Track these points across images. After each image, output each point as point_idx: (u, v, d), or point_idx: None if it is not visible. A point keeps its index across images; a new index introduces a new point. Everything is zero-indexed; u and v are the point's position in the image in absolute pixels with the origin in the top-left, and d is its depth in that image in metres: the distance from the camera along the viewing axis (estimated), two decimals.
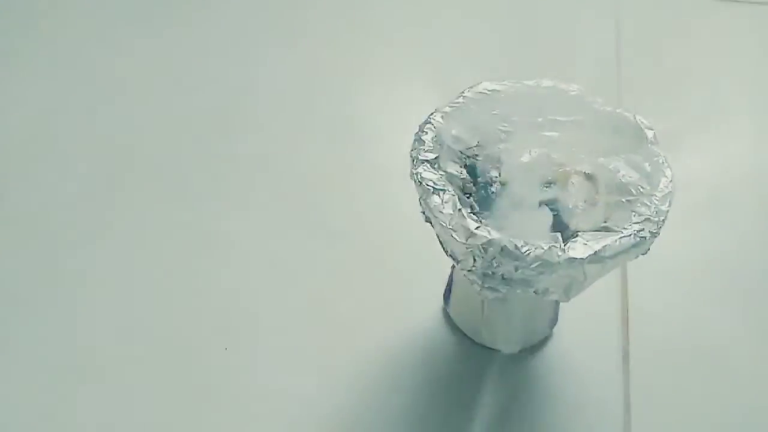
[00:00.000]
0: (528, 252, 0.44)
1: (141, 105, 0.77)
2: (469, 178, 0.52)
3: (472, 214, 0.48)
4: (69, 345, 0.60)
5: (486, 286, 0.47)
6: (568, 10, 0.87)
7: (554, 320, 0.58)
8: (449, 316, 0.61)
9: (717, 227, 0.68)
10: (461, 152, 0.52)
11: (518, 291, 0.46)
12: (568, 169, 0.51)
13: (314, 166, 0.72)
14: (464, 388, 0.58)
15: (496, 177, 0.53)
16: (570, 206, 0.50)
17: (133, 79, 0.79)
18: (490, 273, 0.46)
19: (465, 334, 0.59)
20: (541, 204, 0.50)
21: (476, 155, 0.53)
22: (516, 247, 0.44)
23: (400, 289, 0.63)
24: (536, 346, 0.59)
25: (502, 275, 0.46)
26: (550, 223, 0.49)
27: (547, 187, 0.51)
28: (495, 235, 0.45)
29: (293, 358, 0.59)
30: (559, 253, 0.44)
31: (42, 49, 0.82)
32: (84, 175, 0.71)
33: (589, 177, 0.52)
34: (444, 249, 0.49)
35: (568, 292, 0.47)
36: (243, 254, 0.66)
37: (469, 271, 0.47)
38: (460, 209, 0.47)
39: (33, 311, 0.61)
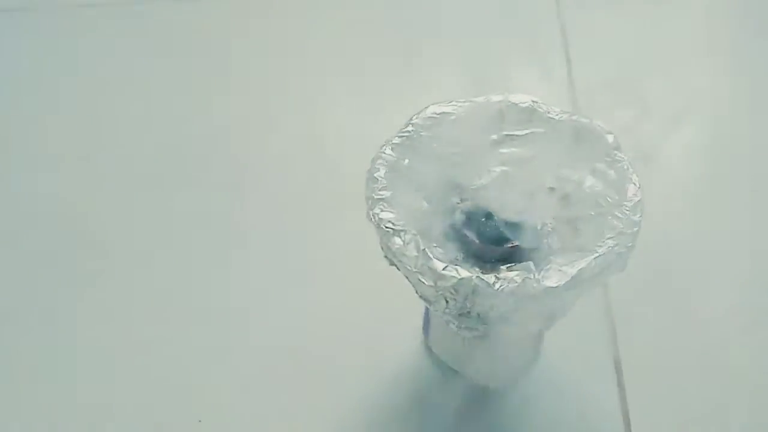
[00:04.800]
0: (502, 287, 0.42)
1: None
2: (430, 208, 0.49)
3: (438, 250, 0.46)
4: None
5: (463, 326, 0.44)
6: (508, 17, 0.85)
7: (540, 341, 0.56)
8: (431, 349, 0.58)
9: (691, 215, 0.67)
10: (420, 182, 0.50)
11: (496, 328, 0.44)
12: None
13: (278, 203, 0.69)
14: (453, 422, 0.55)
15: (458, 203, 0.50)
16: (539, 226, 0.48)
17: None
18: (465, 313, 0.44)
19: (449, 366, 0.57)
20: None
21: (435, 183, 0.51)
22: (488, 284, 0.42)
23: (378, 326, 0.60)
24: (524, 368, 0.56)
25: (478, 314, 0.43)
26: None
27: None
28: (464, 273, 0.43)
29: (274, 405, 0.57)
30: (534, 285, 0.42)
31: None
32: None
33: (553, 191, 0.50)
34: (415, 290, 0.46)
35: (549, 321, 0.44)
36: (210, 306, 0.63)
37: (443, 312, 0.45)
38: (424, 249, 0.44)
39: None
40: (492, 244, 0.47)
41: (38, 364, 0.60)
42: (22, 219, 0.69)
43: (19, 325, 0.62)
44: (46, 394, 0.58)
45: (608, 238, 0.44)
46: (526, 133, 0.52)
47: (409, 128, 0.51)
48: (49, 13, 0.89)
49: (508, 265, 0.45)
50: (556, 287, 0.42)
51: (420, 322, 0.58)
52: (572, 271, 0.42)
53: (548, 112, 0.51)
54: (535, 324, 0.44)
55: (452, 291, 0.43)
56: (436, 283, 0.43)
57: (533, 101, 0.52)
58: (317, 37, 0.85)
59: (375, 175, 0.49)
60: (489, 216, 0.48)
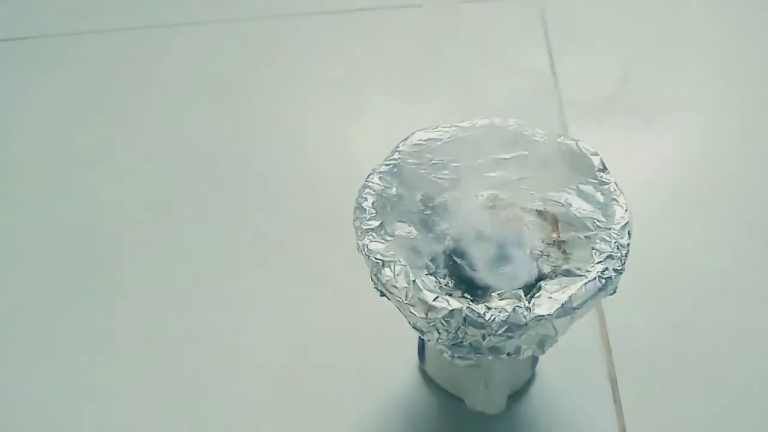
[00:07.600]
0: (492, 318, 0.42)
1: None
2: (419, 236, 0.49)
3: (429, 278, 0.46)
4: None
5: (456, 355, 0.44)
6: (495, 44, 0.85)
7: (535, 360, 0.56)
8: (426, 373, 0.58)
9: (679, 227, 0.67)
10: (408, 210, 0.50)
11: (489, 357, 0.43)
12: (518, 212, 0.49)
13: (272, 233, 0.69)
14: None
15: (447, 229, 0.50)
16: (528, 250, 0.48)
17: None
18: (458, 343, 0.43)
19: (445, 391, 0.57)
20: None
21: (423, 210, 0.51)
22: (479, 314, 0.42)
23: (373, 351, 0.60)
24: (520, 389, 0.56)
25: (470, 344, 0.43)
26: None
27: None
28: (455, 304, 0.42)
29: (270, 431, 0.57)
30: (525, 313, 0.42)
31: None
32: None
33: (542, 214, 0.50)
34: (407, 321, 0.46)
35: (541, 347, 0.44)
36: (204, 334, 0.62)
37: (436, 342, 0.45)
38: (414, 281, 0.44)
39: None
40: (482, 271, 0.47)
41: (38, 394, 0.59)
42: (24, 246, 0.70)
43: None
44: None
45: (597, 263, 0.44)
46: (513, 156, 0.52)
47: (396, 156, 0.51)
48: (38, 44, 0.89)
49: (499, 292, 0.46)
50: (546, 315, 0.42)
51: (413, 348, 0.58)
52: (563, 297, 0.42)
53: (533, 135, 0.51)
54: (528, 350, 0.44)
55: (443, 322, 0.42)
56: (427, 315, 0.43)
57: (518, 124, 0.52)
58: (305, 65, 0.85)
59: (363, 204, 0.49)
60: (478, 242, 0.48)
